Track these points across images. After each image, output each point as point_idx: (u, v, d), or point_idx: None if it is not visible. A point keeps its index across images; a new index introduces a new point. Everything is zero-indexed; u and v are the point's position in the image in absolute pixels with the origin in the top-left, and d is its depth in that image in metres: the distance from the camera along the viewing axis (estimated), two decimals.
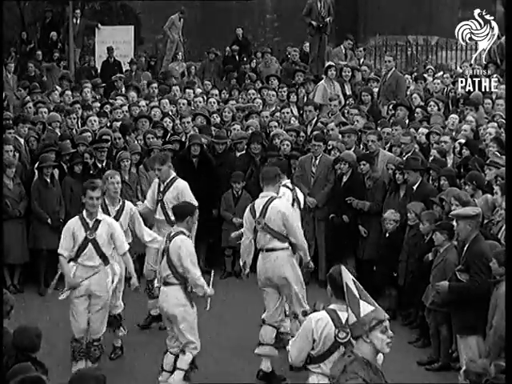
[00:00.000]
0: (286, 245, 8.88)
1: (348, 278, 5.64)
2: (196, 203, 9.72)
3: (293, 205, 9.69)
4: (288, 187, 9.86)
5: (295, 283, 8.90)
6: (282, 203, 9.02)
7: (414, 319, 10.26)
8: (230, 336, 10.00)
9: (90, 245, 8.74)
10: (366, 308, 5.61)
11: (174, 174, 10.45)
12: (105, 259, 8.80)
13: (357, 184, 11.49)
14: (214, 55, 19.09)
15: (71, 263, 8.79)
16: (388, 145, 12.28)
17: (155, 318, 10.24)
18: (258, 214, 8.85)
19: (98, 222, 8.78)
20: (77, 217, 8.89)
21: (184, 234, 8.34)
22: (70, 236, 8.76)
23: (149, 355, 9.37)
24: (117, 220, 9.41)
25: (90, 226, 8.75)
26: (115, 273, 9.01)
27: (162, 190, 10.31)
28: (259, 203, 8.91)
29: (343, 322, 6.00)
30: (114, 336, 9.55)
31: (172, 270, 8.27)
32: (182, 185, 10.32)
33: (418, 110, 13.63)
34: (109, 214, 9.48)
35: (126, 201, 10.12)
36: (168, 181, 10.31)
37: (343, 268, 5.73)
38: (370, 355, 5.43)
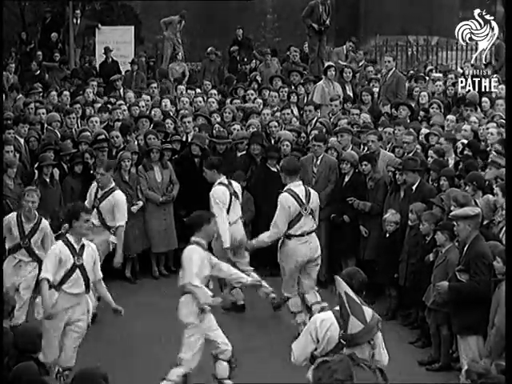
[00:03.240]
0: None
1: (344, 287, 5.65)
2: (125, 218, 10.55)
3: (231, 199, 10.37)
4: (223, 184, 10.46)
5: None
6: None
7: (415, 319, 10.26)
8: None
9: (77, 270, 8.31)
10: (368, 312, 5.62)
11: (113, 184, 10.77)
12: (87, 286, 8.44)
13: (358, 184, 11.49)
14: (215, 55, 19.10)
15: (53, 291, 8.22)
16: (390, 145, 12.27)
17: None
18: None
19: (83, 246, 8.39)
20: (61, 242, 8.39)
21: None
22: (56, 261, 8.21)
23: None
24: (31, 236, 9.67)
25: (77, 251, 8.33)
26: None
27: (99, 197, 10.68)
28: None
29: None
30: None
31: None
32: (118, 196, 10.61)
33: (422, 110, 13.70)
34: (24, 231, 9.63)
35: (43, 218, 9.96)
36: (107, 189, 10.65)
37: (338, 278, 5.75)
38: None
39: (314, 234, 9.89)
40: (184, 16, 20.67)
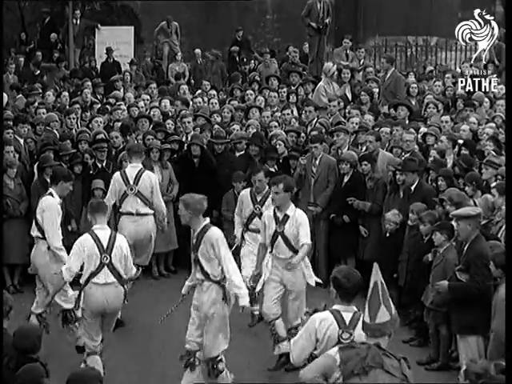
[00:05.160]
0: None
1: (380, 276, 5.62)
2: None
3: None
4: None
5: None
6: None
7: (414, 319, 10.27)
8: None
9: None
10: (392, 305, 5.60)
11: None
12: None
13: (358, 184, 11.50)
14: (215, 57, 19.15)
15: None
16: (388, 145, 12.27)
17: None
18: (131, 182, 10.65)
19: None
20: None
21: None
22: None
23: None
24: None
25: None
26: None
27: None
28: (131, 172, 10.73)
29: (347, 322, 6.03)
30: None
31: None
32: None
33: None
34: None
35: None
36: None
37: (376, 266, 5.70)
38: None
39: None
40: (170, 20, 20.71)
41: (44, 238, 9.28)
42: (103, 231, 8.47)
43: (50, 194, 9.54)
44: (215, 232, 8.11)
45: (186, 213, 8.14)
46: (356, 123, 12.74)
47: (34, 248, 9.52)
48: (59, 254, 9.15)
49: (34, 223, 9.49)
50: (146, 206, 10.78)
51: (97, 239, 8.37)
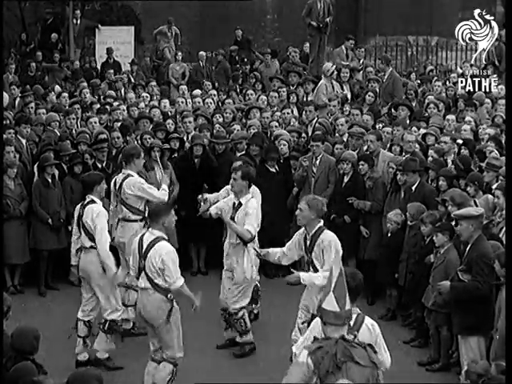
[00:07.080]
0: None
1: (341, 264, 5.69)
2: None
3: None
4: None
5: None
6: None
7: (415, 320, 10.26)
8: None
9: None
10: (348, 302, 5.63)
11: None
12: None
13: (358, 184, 11.48)
14: (223, 56, 19.18)
15: None
16: (390, 145, 12.26)
17: None
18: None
19: None
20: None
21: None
22: None
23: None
24: None
25: None
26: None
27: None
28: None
29: (351, 324, 6.01)
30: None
31: None
32: None
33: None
34: None
35: None
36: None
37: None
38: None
39: None
40: (171, 22, 20.71)
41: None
42: (149, 235, 8.07)
43: (92, 200, 9.17)
44: (329, 235, 8.15)
45: (309, 214, 8.08)
46: (341, 123, 12.78)
47: (83, 256, 9.12)
48: (106, 262, 8.88)
49: (83, 234, 9.11)
50: None
51: (140, 242, 8.07)
